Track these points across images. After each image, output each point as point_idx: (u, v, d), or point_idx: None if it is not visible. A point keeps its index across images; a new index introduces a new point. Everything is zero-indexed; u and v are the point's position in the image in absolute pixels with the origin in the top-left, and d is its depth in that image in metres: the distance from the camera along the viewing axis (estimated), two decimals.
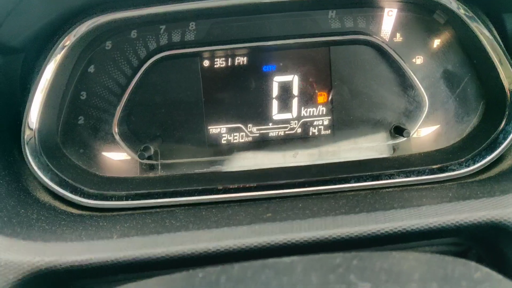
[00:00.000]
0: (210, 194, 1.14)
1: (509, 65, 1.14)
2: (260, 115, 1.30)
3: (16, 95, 1.18)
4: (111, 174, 1.26)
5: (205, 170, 1.29)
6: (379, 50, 1.27)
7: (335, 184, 1.14)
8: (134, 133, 1.29)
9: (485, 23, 1.15)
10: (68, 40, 1.08)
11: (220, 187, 1.15)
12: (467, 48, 1.24)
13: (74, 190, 1.12)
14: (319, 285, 0.62)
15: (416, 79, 1.27)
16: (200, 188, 1.15)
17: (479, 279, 0.64)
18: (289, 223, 0.91)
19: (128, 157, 1.29)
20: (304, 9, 1.24)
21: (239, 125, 1.31)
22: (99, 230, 0.96)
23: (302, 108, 1.31)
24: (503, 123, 1.17)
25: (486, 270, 0.68)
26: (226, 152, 1.31)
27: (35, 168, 1.11)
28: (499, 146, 1.15)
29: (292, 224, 0.90)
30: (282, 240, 0.88)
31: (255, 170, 1.27)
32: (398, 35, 1.27)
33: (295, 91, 1.29)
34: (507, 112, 1.17)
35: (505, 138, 1.15)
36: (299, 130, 1.32)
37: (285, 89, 1.29)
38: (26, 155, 1.10)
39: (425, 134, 1.32)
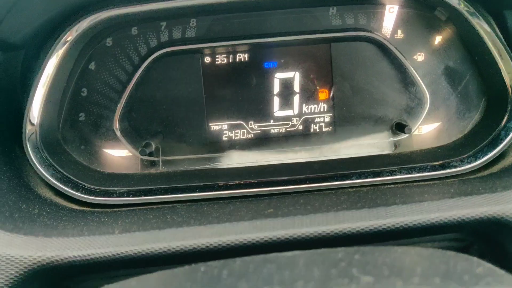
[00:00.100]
0: (211, 190, 1.13)
1: (510, 61, 1.14)
2: (262, 111, 1.30)
3: (17, 92, 1.18)
4: (112, 170, 1.26)
5: (206, 166, 1.29)
6: (380, 47, 1.27)
7: (336, 180, 1.13)
8: (135, 130, 1.28)
9: (487, 19, 1.14)
10: (70, 36, 1.08)
11: (221, 184, 1.14)
12: (469, 45, 1.24)
13: (75, 186, 1.12)
14: (322, 279, 0.62)
15: (417, 75, 1.27)
16: (201, 184, 1.15)
17: (481, 274, 0.64)
18: (291, 218, 0.91)
19: (129, 154, 1.29)
20: (305, 6, 1.24)
21: (240, 121, 1.31)
22: (100, 226, 0.96)
23: (304, 105, 1.31)
24: (505, 119, 1.16)
25: (488, 265, 0.67)
26: (227, 148, 1.31)
27: (36, 164, 1.11)
28: (501, 143, 1.14)
29: (294, 220, 0.90)
30: (284, 235, 0.87)
31: (257, 166, 1.27)
32: (399, 31, 1.27)
33: (296, 87, 1.29)
34: (508, 109, 1.16)
35: (506, 135, 1.15)
36: (301, 127, 1.32)
37: (286, 85, 1.29)
38: (28, 151, 1.11)
39: (426, 131, 1.31)
